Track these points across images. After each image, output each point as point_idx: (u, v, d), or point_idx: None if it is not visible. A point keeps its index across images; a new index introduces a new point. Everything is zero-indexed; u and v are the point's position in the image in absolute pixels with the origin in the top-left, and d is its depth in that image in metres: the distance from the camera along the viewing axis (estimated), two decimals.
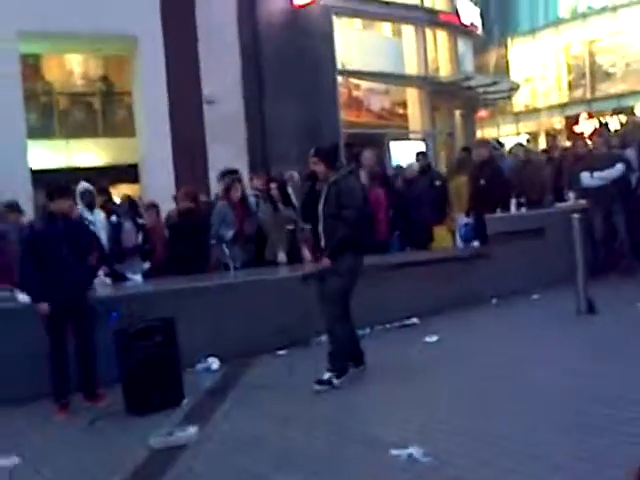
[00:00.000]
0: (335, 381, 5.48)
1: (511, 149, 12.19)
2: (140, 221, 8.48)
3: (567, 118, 32.26)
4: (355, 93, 20.44)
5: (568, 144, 13.21)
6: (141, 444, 4.60)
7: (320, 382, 5.45)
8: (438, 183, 9.88)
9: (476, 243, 8.71)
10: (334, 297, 5.59)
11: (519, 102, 34.63)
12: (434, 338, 6.86)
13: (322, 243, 5.72)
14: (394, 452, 4.03)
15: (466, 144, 20.99)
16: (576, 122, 28.73)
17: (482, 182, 8.95)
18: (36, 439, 5.05)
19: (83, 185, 8.35)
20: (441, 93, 21.93)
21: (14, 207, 8.27)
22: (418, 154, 11.33)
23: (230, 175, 8.69)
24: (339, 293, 5.60)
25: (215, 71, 14.38)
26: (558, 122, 33.72)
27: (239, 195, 8.36)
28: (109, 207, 8.65)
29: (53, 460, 4.58)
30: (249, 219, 8.33)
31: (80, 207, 7.97)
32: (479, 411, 4.64)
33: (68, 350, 5.70)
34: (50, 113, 15.55)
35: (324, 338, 6.05)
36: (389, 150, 18.83)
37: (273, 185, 8.77)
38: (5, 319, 6.05)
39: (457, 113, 24.25)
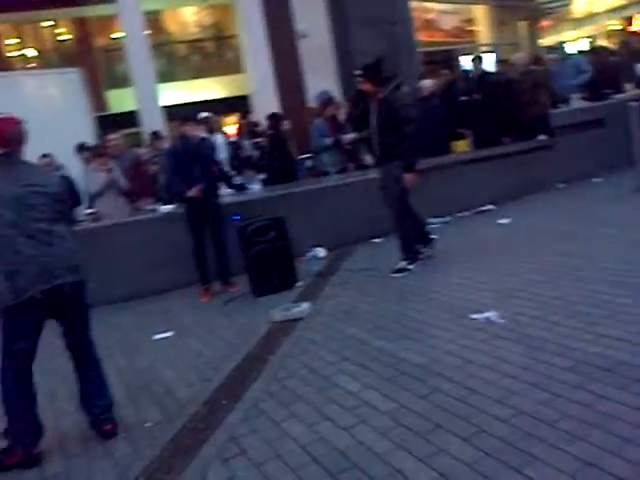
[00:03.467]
0: (409, 267, 5.35)
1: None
2: (256, 140, 8.40)
3: (624, 19, 29.37)
4: (428, 16, 19.41)
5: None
6: (265, 318, 4.71)
7: (397, 271, 5.33)
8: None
9: (542, 136, 8.11)
10: (394, 199, 5.37)
11: (578, 9, 31.89)
12: (506, 220, 6.59)
13: (377, 153, 5.43)
14: (473, 316, 3.92)
15: (531, 52, 19.76)
16: (630, 23, 26.10)
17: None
18: (185, 318, 5.27)
19: (203, 114, 8.33)
20: (505, 7, 20.52)
21: (157, 135, 8.42)
22: (474, 58, 10.24)
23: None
24: (397, 195, 5.34)
25: (304, 10, 13.94)
26: (616, 23, 30.79)
27: (333, 112, 8.17)
28: None
29: (198, 333, 4.78)
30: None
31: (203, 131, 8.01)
32: (548, 280, 4.41)
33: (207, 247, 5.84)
34: (172, 59, 15.63)
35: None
36: (460, 63, 17.88)
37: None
38: (151, 226, 6.27)
39: (521, 25, 22.63)
